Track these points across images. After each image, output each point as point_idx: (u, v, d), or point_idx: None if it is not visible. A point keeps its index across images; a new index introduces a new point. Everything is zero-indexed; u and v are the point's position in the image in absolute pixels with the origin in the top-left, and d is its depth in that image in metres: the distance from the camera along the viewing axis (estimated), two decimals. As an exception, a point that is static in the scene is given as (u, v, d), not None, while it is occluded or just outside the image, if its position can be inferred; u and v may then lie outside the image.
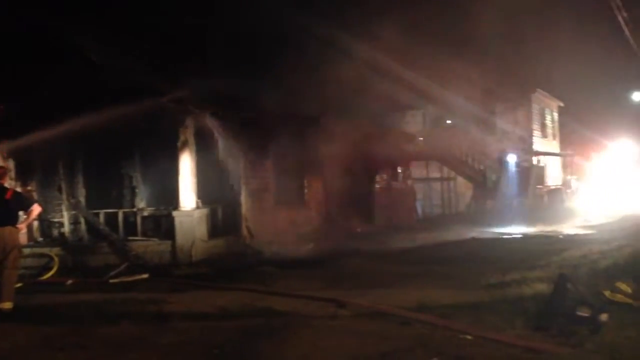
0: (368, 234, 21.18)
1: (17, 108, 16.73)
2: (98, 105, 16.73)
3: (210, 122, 17.69)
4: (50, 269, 15.35)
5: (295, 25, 21.94)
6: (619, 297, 8.97)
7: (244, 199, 18.50)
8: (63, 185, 17.54)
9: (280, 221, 19.53)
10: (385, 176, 25.52)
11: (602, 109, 47.15)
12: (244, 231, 18.35)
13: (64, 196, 17.45)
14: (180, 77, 18.85)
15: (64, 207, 17.45)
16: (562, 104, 44.86)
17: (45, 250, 16.34)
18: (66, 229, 17.40)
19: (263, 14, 20.95)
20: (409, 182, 28.01)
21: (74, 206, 17.42)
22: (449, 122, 36.13)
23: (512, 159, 31.98)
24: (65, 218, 17.41)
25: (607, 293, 9.09)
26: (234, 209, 18.41)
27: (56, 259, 15.73)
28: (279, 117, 19.57)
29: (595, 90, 46.52)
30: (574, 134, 46.78)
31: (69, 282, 14.22)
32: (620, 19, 23.57)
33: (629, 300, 8.88)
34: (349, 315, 9.92)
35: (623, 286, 9.11)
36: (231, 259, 16.88)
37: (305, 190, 20.86)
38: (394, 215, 25.05)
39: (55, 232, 17.69)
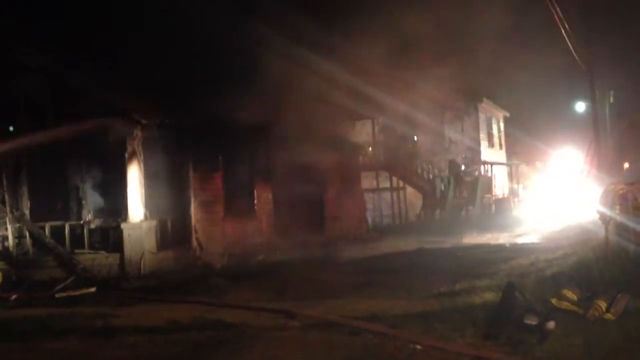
0: (318, 245, 21.16)
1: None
2: (43, 115, 16.49)
3: (159, 133, 17.53)
4: (-7, 284, 15.00)
5: (245, 35, 21.91)
6: (565, 305, 9.13)
7: (193, 210, 18.34)
8: (6, 198, 17.13)
9: (231, 232, 19.41)
10: (335, 187, 25.56)
11: (546, 119, 48.19)
12: (194, 243, 18.18)
13: (8, 209, 17.04)
14: (127, 87, 18.66)
15: (7, 220, 17.03)
16: (507, 114, 45.67)
17: (-12, 264, 15.96)
18: (10, 242, 16.97)
19: (212, 23, 20.86)
20: (359, 192, 28.09)
21: (18, 219, 17.02)
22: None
23: (460, 168, 32.49)
24: (9, 231, 16.99)
25: (553, 301, 9.24)
26: (184, 220, 18.24)
27: (0, 273, 15.36)
28: (228, 127, 19.47)
29: (540, 101, 47.55)
30: (520, 143, 47.66)
31: (14, 297, 13.90)
32: (562, 31, 24.15)
33: (575, 308, 9.05)
34: (300, 326, 9.90)
35: (569, 294, 9.27)
36: (181, 271, 16.72)
37: (256, 201, 20.79)
38: (344, 225, 25.09)
39: (-2, 246, 17.27)
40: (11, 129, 17.38)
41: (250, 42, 21.68)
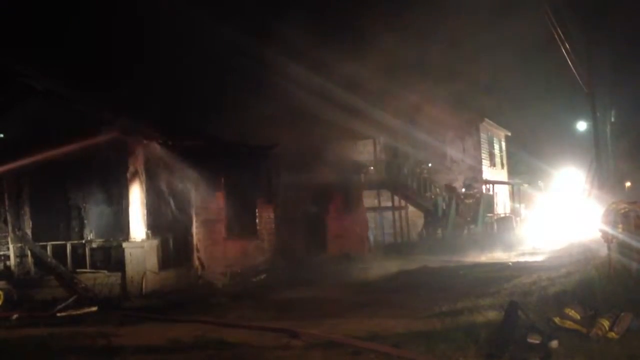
0: (320, 264, 21.14)
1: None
2: (46, 135, 16.53)
3: (161, 152, 17.54)
4: (-6, 303, 14.95)
5: (248, 56, 22.04)
6: (569, 324, 9.09)
7: (195, 229, 18.32)
8: (9, 217, 17.14)
9: (233, 252, 19.40)
10: (337, 206, 25.56)
11: (547, 138, 48.28)
12: (196, 262, 18.15)
13: (10, 228, 17.05)
14: (130, 107, 18.72)
15: (9, 240, 17.04)
16: (509, 133, 45.74)
17: (-10, 284, 15.92)
18: (12, 262, 16.98)
19: (215, 45, 21.00)
20: (361, 211, 28.08)
21: (20, 239, 17.03)
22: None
23: (457, 192, 32.51)
24: (11, 251, 17.00)
25: (556, 320, 9.20)
26: (186, 239, 18.22)
27: (1, 293, 15.31)
28: (230, 147, 19.51)
29: (541, 120, 47.67)
30: (522, 162, 47.71)
31: (15, 316, 13.86)
32: (564, 51, 24.28)
33: (578, 327, 9.00)
34: (302, 345, 9.86)
35: (572, 312, 9.23)
36: (183, 290, 16.68)
37: (257, 221, 20.78)
38: (346, 244, 25.07)
39: (0, 266, 17.23)
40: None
41: (254, 64, 21.82)
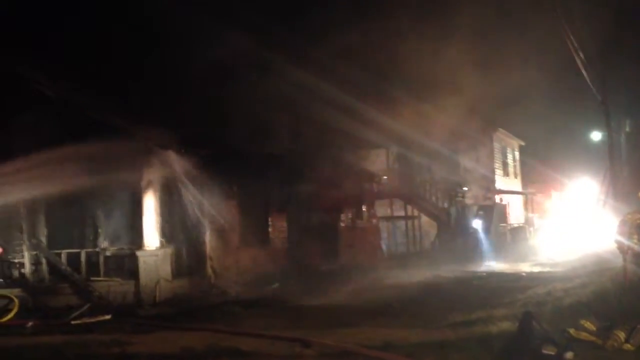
0: (333, 273, 21.11)
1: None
2: (61, 145, 16.60)
3: (175, 161, 17.60)
4: (9, 310, 14.98)
5: (260, 64, 22.09)
6: (584, 335, 9.05)
7: (208, 238, 18.35)
8: (24, 225, 17.23)
9: (245, 260, 19.40)
10: (350, 215, 25.56)
11: (562, 148, 48.02)
12: (209, 271, 18.18)
13: (25, 236, 17.14)
14: (144, 116, 18.79)
15: (24, 248, 17.13)
16: (523, 143, 45.58)
17: (5, 291, 15.96)
18: (27, 269, 17.07)
19: (227, 52, 21.05)
20: (374, 220, 28.06)
21: (35, 246, 17.12)
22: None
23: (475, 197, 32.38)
24: (26, 258, 17.08)
25: (571, 331, 9.16)
26: (199, 248, 18.25)
27: (16, 300, 15.36)
28: (243, 155, 19.54)
29: (556, 129, 47.41)
30: (535, 172, 47.47)
31: (30, 324, 13.92)
32: (578, 60, 24.17)
33: (593, 338, 8.96)
34: (315, 354, 9.86)
35: (587, 324, 9.19)
36: (196, 298, 16.71)
37: (270, 230, 20.79)
38: (359, 253, 25.04)
39: (15, 273, 17.31)
40: None
41: (268, 73, 21.86)
